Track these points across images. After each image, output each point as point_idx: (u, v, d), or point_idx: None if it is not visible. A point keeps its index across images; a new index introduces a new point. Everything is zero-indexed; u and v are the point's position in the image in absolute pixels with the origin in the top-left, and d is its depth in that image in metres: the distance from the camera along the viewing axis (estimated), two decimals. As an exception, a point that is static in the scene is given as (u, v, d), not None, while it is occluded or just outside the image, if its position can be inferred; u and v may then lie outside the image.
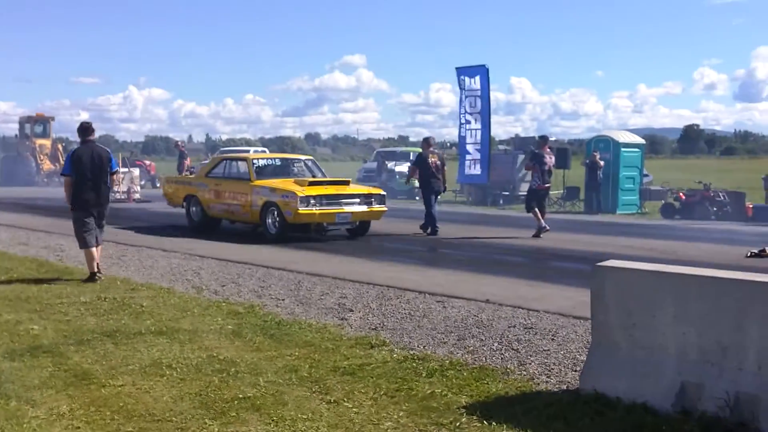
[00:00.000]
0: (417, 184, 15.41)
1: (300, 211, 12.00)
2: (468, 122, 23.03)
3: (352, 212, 12.59)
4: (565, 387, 4.74)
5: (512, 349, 5.62)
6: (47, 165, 34.00)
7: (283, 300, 7.49)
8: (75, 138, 9.11)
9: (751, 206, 18.19)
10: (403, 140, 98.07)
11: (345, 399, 4.48)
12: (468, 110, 22.97)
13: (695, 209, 18.39)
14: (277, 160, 14.73)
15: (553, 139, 24.32)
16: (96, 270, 8.48)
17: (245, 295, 7.74)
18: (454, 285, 8.25)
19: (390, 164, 27.20)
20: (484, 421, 4.08)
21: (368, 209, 12.83)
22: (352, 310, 6.97)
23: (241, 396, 4.51)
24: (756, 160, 65.23)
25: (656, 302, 4.23)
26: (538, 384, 4.82)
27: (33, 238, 12.78)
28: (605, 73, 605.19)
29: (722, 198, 18.57)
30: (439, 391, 4.62)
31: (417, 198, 17.94)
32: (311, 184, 12.68)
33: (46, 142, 35.05)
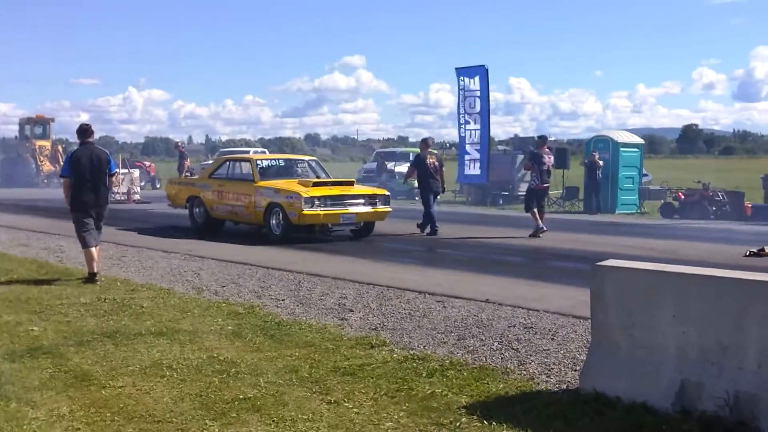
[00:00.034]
0: (416, 184, 15.42)
1: (304, 212, 11.94)
2: (467, 122, 23.03)
3: (356, 213, 12.53)
4: (565, 386, 4.75)
5: (512, 348, 5.63)
6: (47, 166, 34.01)
7: (283, 300, 7.49)
8: (75, 139, 9.10)
9: (750, 205, 18.22)
10: (402, 141, 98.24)
11: (345, 399, 4.48)
12: (467, 110, 22.97)
13: (694, 209, 18.42)
14: (280, 160, 14.65)
15: (552, 139, 24.39)
16: (94, 270, 8.48)
17: (245, 296, 7.74)
18: (454, 285, 8.25)
19: (390, 165, 27.20)
20: (484, 421, 4.09)
21: (373, 210, 12.78)
22: (352, 311, 6.97)
23: (241, 397, 4.52)
24: (755, 160, 65.26)
25: (656, 302, 4.23)
26: (538, 384, 4.82)
27: (33, 239, 12.79)
28: (604, 73, 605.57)
29: (721, 197, 18.60)
30: (440, 391, 4.62)
31: (416, 198, 17.96)
32: (316, 184, 12.63)
33: (46, 144, 35.07)
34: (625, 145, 21.01)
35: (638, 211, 20.40)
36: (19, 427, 4.06)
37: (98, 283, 8.34)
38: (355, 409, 4.32)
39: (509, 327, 6.25)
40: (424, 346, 5.73)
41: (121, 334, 6.01)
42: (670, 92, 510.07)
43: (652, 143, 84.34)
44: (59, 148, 34.92)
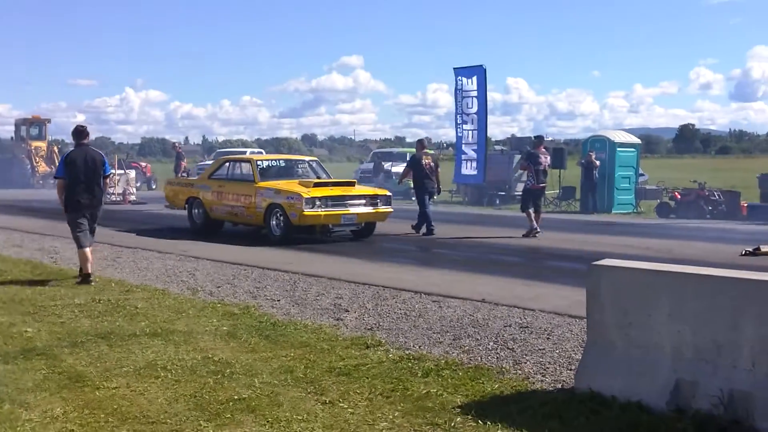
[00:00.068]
0: (411, 185, 15.41)
1: (305, 213, 11.88)
2: (464, 123, 23.04)
3: (357, 213, 12.48)
4: (560, 386, 4.74)
5: (508, 348, 5.62)
6: (42, 167, 33.89)
7: (278, 301, 7.48)
8: (71, 140, 9.09)
9: (745, 205, 18.24)
10: (399, 141, 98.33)
11: (340, 399, 4.47)
12: (464, 111, 22.97)
13: (690, 208, 18.42)
14: (281, 161, 14.54)
15: (549, 139, 24.45)
16: (88, 271, 8.46)
17: (240, 296, 7.73)
18: (450, 285, 8.24)
19: (387, 165, 27.19)
20: (479, 421, 4.08)
21: (374, 210, 12.73)
22: (347, 311, 6.96)
23: (236, 397, 4.50)
24: (751, 159, 65.47)
25: (652, 301, 4.23)
26: (534, 383, 4.81)
27: (27, 240, 12.75)
28: (601, 74, 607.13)
29: (717, 197, 18.62)
30: (435, 390, 4.61)
31: (413, 198, 17.97)
32: (316, 185, 12.56)
33: (42, 145, 34.94)
34: (622, 145, 21.03)
35: (635, 210, 20.42)
36: (13, 428, 4.04)
37: (93, 284, 8.32)
38: (350, 410, 4.31)
39: (505, 327, 6.24)
40: (419, 346, 5.72)
41: (115, 335, 5.99)
42: (667, 92, 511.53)
43: (649, 143, 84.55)
44: (55, 149, 34.84)
